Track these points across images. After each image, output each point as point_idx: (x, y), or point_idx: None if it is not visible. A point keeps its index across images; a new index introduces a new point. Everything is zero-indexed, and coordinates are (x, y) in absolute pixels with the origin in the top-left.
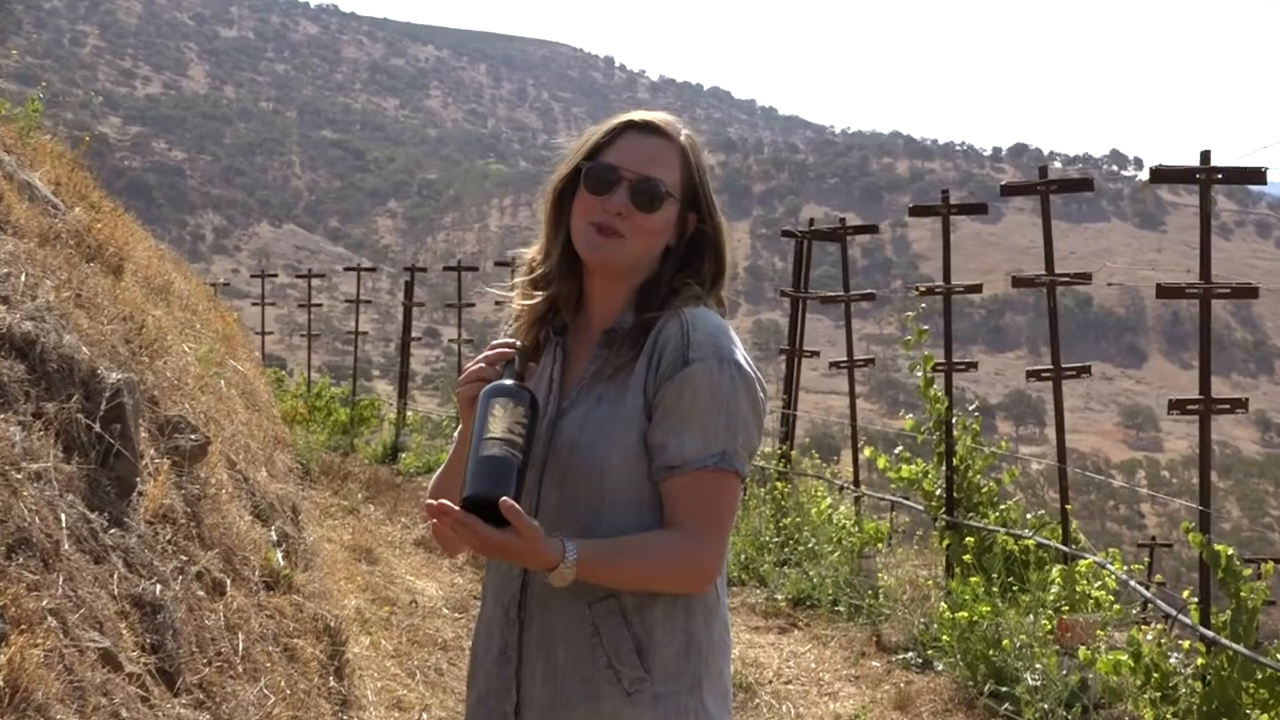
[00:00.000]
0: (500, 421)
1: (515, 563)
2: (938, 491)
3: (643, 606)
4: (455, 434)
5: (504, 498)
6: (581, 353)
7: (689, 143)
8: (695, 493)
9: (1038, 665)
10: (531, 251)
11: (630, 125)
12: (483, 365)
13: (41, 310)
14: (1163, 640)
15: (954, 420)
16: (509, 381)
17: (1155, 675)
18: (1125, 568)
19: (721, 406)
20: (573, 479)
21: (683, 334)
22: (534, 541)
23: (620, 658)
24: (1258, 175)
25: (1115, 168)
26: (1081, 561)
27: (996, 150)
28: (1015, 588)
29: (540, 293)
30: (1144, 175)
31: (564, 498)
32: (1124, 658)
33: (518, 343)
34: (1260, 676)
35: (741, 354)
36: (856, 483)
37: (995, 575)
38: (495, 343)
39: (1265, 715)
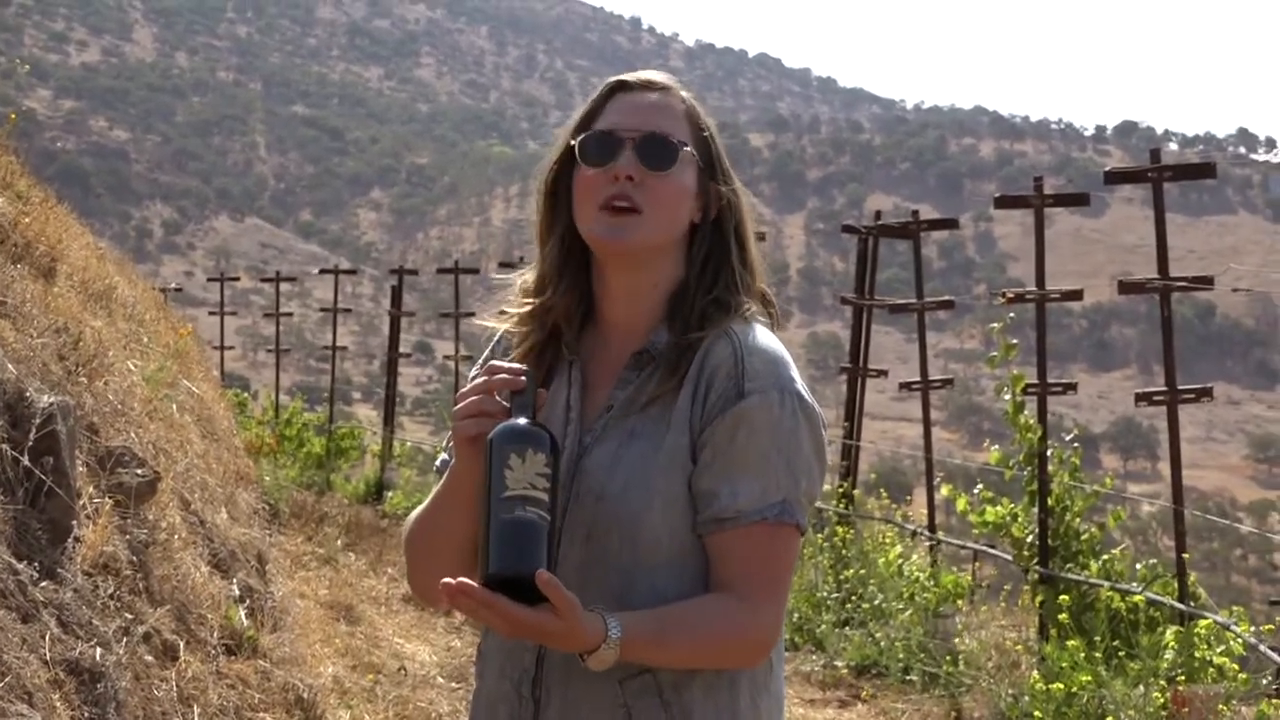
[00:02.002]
0: (520, 475)
1: (547, 645)
2: (1029, 538)
3: (680, 684)
4: (438, 462)
5: (540, 570)
6: (602, 376)
7: (689, 98)
8: (750, 550)
9: None
10: (527, 275)
11: (620, 85)
12: (485, 396)
13: None
14: None
15: (1049, 453)
16: (522, 421)
17: None
18: (1254, 629)
19: (782, 448)
20: (601, 533)
21: (736, 360)
22: (573, 620)
23: None
24: None
25: (1243, 150)
26: (1201, 622)
27: (1100, 130)
28: (1122, 653)
29: (534, 305)
30: (1277, 159)
31: (590, 555)
32: None
33: (525, 368)
34: None
35: (802, 384)
36: (932, 528)
37: (1098, 638)
38: (495, 364)
39: None
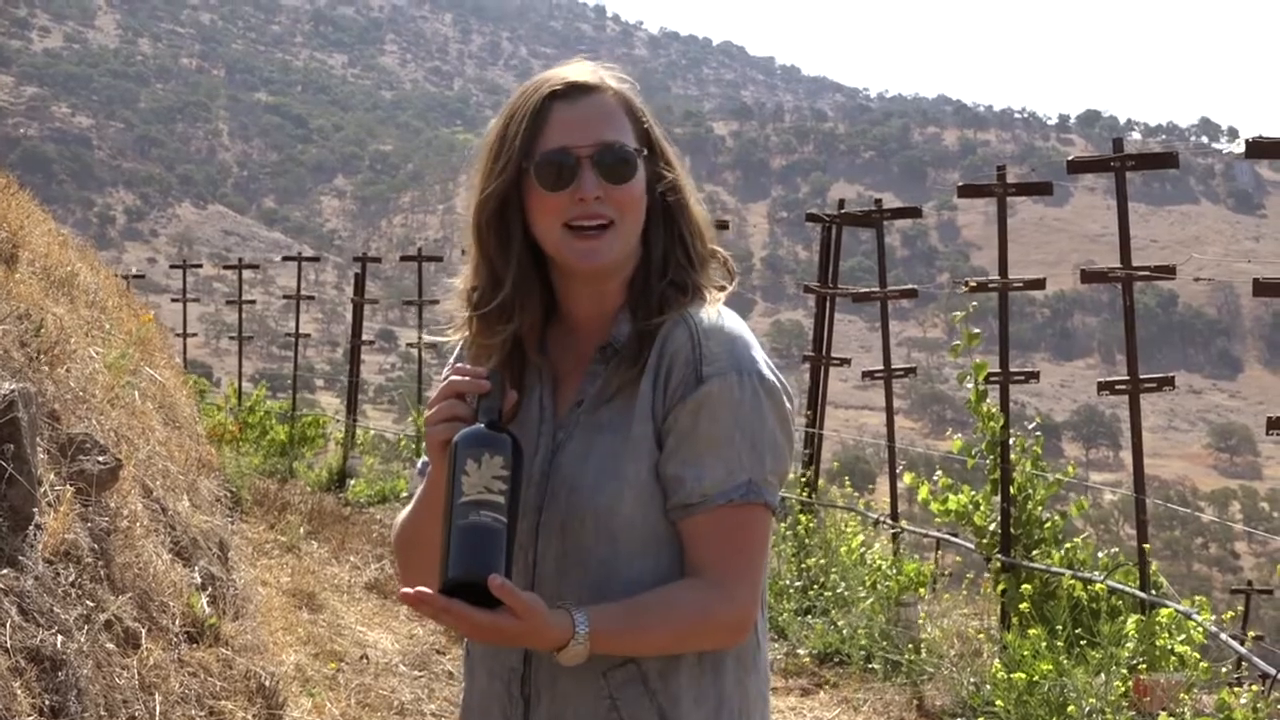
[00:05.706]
0: (475, 479)
1: (515, 646)
2: (991, 527)
3: (666, 671)
4: (419, 464)
5: (493, 575)
6: (571, 371)
7: (620, 87)
8: (720, 533)
9: None
10: (462, 280)
11: (553, 96)
12: (454, 401)
13: None
14: (1259, 704)
15: (1011, 441)
16: (481, 426)
17: None
18: (1215, 618)
19: (744, 428)
20: (576, 526)
21: (693, 344)
22: (534, 620)
23: None
24: None
25: (1205, 139)
26: (1162, 610)
27: (1063, 119)
28: (1083, 642)
29: (502, 327)
30: (1239, 148)
31: (567, 548)
32: None
33: (488, 370)
34: None
35: (763, 360)
36: (894, 516)
37: (1060, 627)
38: (459, 367)
39: None
